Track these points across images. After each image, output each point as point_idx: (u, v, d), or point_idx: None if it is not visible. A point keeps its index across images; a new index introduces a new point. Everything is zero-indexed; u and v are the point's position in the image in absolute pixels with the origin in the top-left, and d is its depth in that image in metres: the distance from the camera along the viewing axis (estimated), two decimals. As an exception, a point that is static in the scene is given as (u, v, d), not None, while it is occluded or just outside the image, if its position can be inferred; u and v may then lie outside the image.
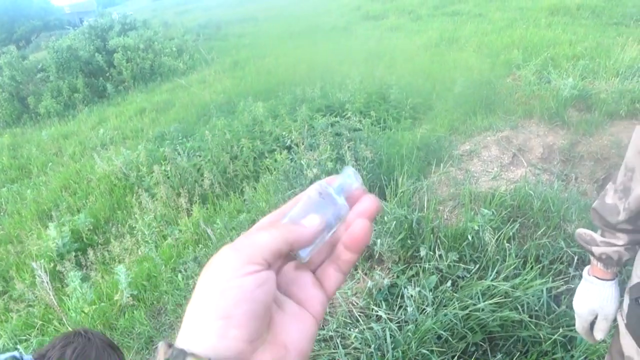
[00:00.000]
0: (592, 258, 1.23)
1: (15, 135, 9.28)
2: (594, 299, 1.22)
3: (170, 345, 0.37)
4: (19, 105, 10.24)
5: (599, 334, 1.24)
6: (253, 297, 0.38)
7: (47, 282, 3.68)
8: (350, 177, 0.48)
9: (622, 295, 1.25)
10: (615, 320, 1.22)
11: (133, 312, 3.12)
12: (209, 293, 0.38)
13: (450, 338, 2.07)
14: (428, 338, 2.08)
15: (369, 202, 0.47)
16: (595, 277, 1.22)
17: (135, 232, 4.36)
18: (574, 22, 8.35)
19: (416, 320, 2.15)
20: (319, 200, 0.46)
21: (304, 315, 0.44)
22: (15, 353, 1.16)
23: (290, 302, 0.45)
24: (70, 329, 3.07)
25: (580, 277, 2.36)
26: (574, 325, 2.10)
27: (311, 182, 3.26)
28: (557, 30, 7.74)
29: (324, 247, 0.47)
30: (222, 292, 0.38)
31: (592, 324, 1.26)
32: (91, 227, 4.76)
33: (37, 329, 3.40)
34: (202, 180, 4.62)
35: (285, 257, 0.45)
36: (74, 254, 4.34)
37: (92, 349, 1.30)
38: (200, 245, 3.52)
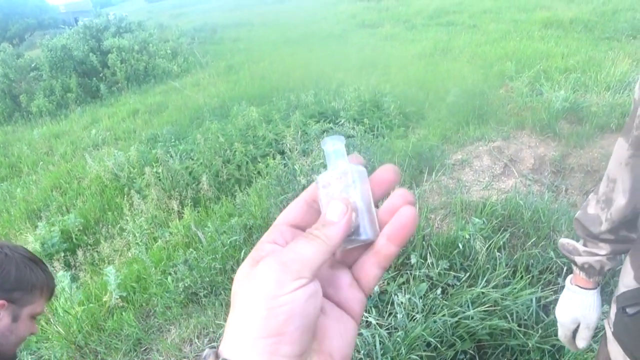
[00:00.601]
0: (574, 267, 1.25)
1: (6, 133, 9.21)
2: (576, 308, 1.24)
3: (218, 356, 0.37)
4: (10, 103, 10.17)
5: (582, 342, 1.26)
6: (303, 311, 0.37)
7: (35, 282, 3.64)
8: (331, 147, 0.45)
9: (606, 304, 1.26)
10: (597, 328, 1.24)
11: (122, 314, 3.10)
12: (256, 309, 0.36)
13: (439, 345, 2.08)
14: (417, 345, 2.08)
15: (400, 193, 0.43)
16: (577, 286, 1.24)
17: (125, 233, 4.33)
18: (566, 35, 8.44)
19: (406, 327, 2.16)
20: (328, 190, 0.43)
21: (345, 318, 0.42)
22: None
23: (331, 304, 0.42)
24: (58, 329, 3.05)
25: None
26: (561, 334, 2.12)
27: (304, 188, 3.27)
28: (550, 43, 7.82)
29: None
30: (272, 309, 0.36)
31: (575, 333, 1.27)
32: (81, 228, 4.73)
33: (24, 329, 3.37)
34: (194, 183, 4.61)
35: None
36: (62, 254, 4.31)
37: (11, 265, 1.21)
38: (191, 249, 3.51)
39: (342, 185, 0.42)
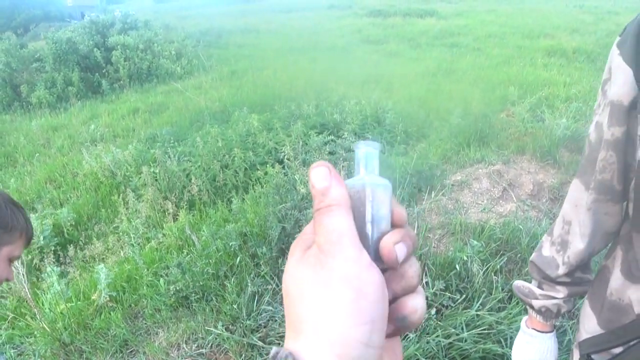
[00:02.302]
0: (530, 310, 1.23)
1: (4, 122, 9.15)
2: (533, 352, 1.22)
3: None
4: (10, 93, 10.12)
5: None
6: (384, 293, 0.33)
7: (23, 275, 3.60)
8: (362, 151, 0.40)
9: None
10: None
11: (110, 313, 3.06)
12: (342, 293, 0.32)
13: (431, 367, 2.07)
14: (410, 365, 2.06)
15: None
16: (534, 329, 1.22)
17: (118, 232, 4.30)
18: (569, 64, 8.52)
19: (399, 346, 2.13)
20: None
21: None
22: None
23: None
24: (43, 324, 3.00)
25: (564, 316, 2.37)
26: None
27: (303, 198, 3.26)
28: (553, 71, 7.89)
29: None
30: (359, 290, 0.32)
31: None
32: (73, 223, 4.68)
33: (8, 322, 3.32)
34: (191, 185, 4.59)
35: None
36: (53, 248, 4.26)
37: None
38: (184, 252, 3.48)
39: (359, 198, 0.37)
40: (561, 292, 1.14)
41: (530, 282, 1.23)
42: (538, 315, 1.20)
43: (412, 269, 0.37)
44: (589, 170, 1.00)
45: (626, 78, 0.88)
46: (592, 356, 1.01)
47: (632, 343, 0.93)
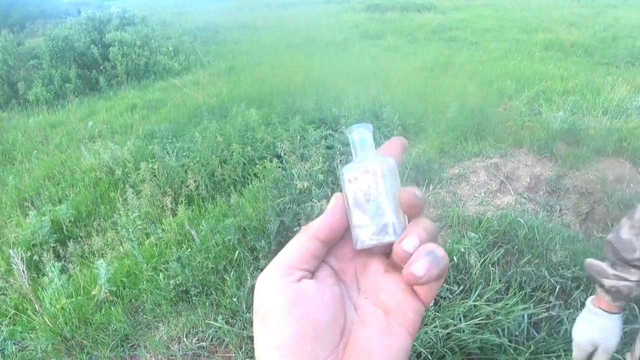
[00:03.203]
0: (599, 289, 1.23)
1: (2, 120, 9.12)
2: (596, 331, 1.22)
3: None
4: (8, 90, 10.08)
5: None
6: (292, 315, 0.36)
7: (23, 271, 3.61)
8: (357, 135, 0.43)
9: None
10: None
11: (110, 308, 3.08)
12: (259, 317, 0.38)
13: (430, 356, 2.08)
14: (408, 355, 2.08)
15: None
16: (600, 308, 1.22)
17: (117, 227, 4.30)
18: (566, 58, 8.53)
19: (397, 337, 2.15)
20: (354, 185, 0.41)
21: (393, 329, 0.39)
22: None
23: (378, 313, 0.40)
24: (45, 319, 3.01)
25: (561, 306, 2.39)
26: (552, 352, 2.13)
27: (300, 193, 3.27)
28: (550, 65, 7.90)
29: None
30: (264, 318, 0.37)
31: (591, 356, 1.26)
32: (72, 219, 4.69)
33: (9, 318, 3.33)
34: (189, 181, 4.60)
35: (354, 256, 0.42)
36: (52, 244, 4.27)
37: None
38: (183, 246, 3.49)
39: (368, 180, 0.39)
40: (635, 275, 1.15)
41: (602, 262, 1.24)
42: (607, 295, 1.20)
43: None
44: None
45: None
46: None
47: None
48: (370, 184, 0.39)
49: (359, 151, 0.42)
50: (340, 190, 0.42)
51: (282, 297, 0.36)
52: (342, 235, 0.41)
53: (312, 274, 0.40)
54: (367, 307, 0.40)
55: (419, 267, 0.36)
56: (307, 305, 0.36)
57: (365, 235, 0.39)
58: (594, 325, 1.23)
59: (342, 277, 0.41)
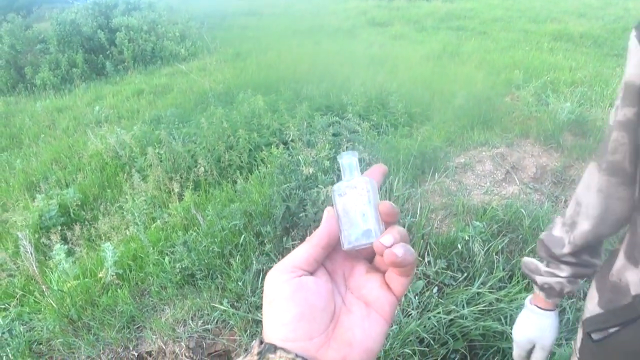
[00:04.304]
0: (535, 287, 1.25)
1: (9, 104, 9.17)
2: (533, 328, 1.24)
3: (262, 342, 0.45)
4: (15, 74, 10.11)
5: None
6: (294, 301, 0.45)
7: (31, 253, 3.65)
8: (346, 160, 0.52)
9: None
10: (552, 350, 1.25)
11: (117, 291, 3.11)
12: (266, 303, 0.47)
13: (432, 342, 2.11)
14: (411, 340, 2.11)
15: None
16: (536, 306, 1.24)
17: (124, 211, 4.34)
18: (575, 49, 8.46)
19: (400, 322, 2.18)
20: (343, 199, 0.50)
21: (372, 316, 0.49)
22: None
23: (360, 304, 0.49)
24: (51, 301, 3.06)
25: (567, 296, 2.41)
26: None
27: (306, 179, 3.29)
28: (559, 55, 7.84)
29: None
30: (271, 303, 0.46)
31: (530, 353, 1.27)
32: (79, 203, 4.73)
33: (17, 299, 3.38)
34: (196, 166, 4.62)
35: (351, 258, 0.52)
36: (59, 227, 4.31)
37: None
38: (190, 231, 3.52)
39: (355, 194, 0.49)
40: (565, 271, 1.15)
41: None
42: (541, 292, 1.22)
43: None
44: (604, 153, 1.00)
45: (639, 59, 0.89)
46: (592, 335, 1.03)
47: (625, 323, 0.95)
48: (356, 197, 0.49)
49: (347, 173, 0.51)
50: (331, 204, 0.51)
51: (287, 287, 0.46)
52: (337, 242, 0.50)
53: (312, 273, 0.49)
54: (352, 299, 0.50)
55: (398, 249, 0.45)
56: (306, 294, 0.46)
57: (351, 237, 0.48)
58: (531, 323, 1.24)
59: (333, 277, 0.51)
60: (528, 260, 1.27)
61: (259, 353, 0.44)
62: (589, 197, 1.05)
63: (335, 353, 0.45)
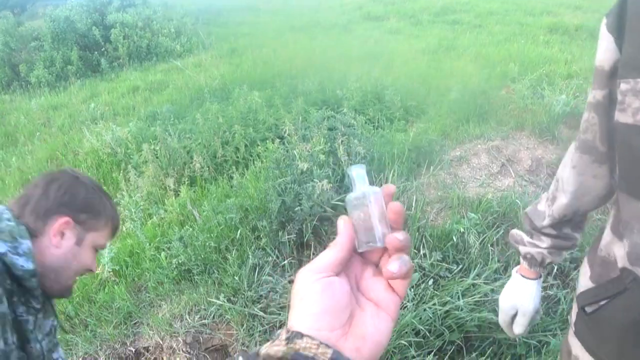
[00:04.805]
0: (520, 257, 1.33)
1: (4, 102, 9.12)
2: (516, 296, 1.32)
3: (288, 330, 0.50)
4: (9, 72, 10.05)
5: (517, 328, 1.35)
6: (323, 297, 0.51)
7: (27, 250, 3.64)
8: (355, 172, 0.58)
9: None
10: (536, 318, 1.34)
11: (113, 287, 3.12)
12: (297, 298, 0.53)
13: (428, 334, 2.12)
14: (406, 332, 2.12)
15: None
16: (520, 275, 1.32)
17: (120, 208, 4.33)
18: (571, 42, 8.46)
19: (396, 315, 2.18)
20: (354, 208, 0.56)
21: (381, 315, 0.55)
22: None
23: (370, 304, 0.56)
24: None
25: (558, 286, 2.42)
26: (549, 331, 2.16)
27: (302, 173, 3.29)
28: (554, 48, 7.84)
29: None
30: (302, 299, 0.52)
31: (513, 319, 1.35)
32: (75, 200, 4.71)
33: (14, 296, 3.37)
34: (192, 162, 4.61)
35: (363, 262, 0.59)
36: (56, 224, 4.30)
37: (80, 186, 1.20)
38: (186, 226, 3.52)
39: (365, 203, 0.55)
40: (545, 242, 1.24)
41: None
42: (524, 261, 1.31)
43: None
44: (578, 132, 1.08)
45: (608, 44, 0.96)
46: (585, 308, 1.07)
47: (614, 296, 0.99)
48: (366, 206, 0.55)
49: (357, 184, 0.57)
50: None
51: (317, 285, 0.52)
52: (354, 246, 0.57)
53: (337, 275, 0.55)
54: (363, 300, 0.57)
55: (393, 266, 0.53)
56: (333, 292, 0.52)
57: (365, 241, 0.55)
58: (515, 290, 1.33)
59: (349, 280, 0.57)
60: (514, 231, 1.37)
61: (287, 338, 0.49)
62: (565, 173, 1.14)
63: (350, 344, 0.51)
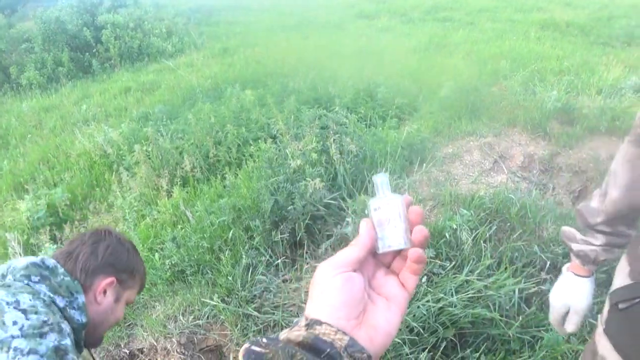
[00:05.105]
0: (571, 254, 1.30)
1: (-6, 104, 9.08)
2: (568, 293, 1.29)
3: (307, 317, 0.55)
4: (0, 75, 10.00)
5: (570, 326, 1.31)
6: (342, 290, 0.56)
7: (20, 254, 3.63)
8: (379, 180, 0.63)
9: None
10: (588, 316, 1.32)
11: (106, 288, 3.10)
12: (317, 290, 0.57)
13: (422, 331, 2.12)
14: (400, 329, 2.11)
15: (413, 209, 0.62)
16: (572, 272, 1.29)
17: (113, 209, 4.32)
18: (562, 38, 8.49)
19: (390, 312, 2.18)
20: (378, 212, 0.61)
21: (391, 308, 0.60)
22: (36, 259, 1.12)
23: (382, 299, 0.61)
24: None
25: (551, 281, 2.43)
26: (542, 326, 2.17)
27: (295, 172, 3.29)
28: (546, 44, 7.87)
29: (400, 257, 0.64)
30: (322, 291, 0.57)
31: (565, 317, 1.32)
32: (68, 203, 4.69)
33: (6, 299, 3.35)
34: (184, 162, 4.60)
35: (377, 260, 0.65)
36: (49, 227, 4.28)
37: (124, 250, 1.31)
38: (179, 227, 3.51)
39: (388, 208, 0.60)
40: (599, 240, 1.22)
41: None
42: (577, 259, 1.28)
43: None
44: (634, 126, 1.07)
45: None
46: (619, 305, 1.06)
47: None
48: (389, 211, 0.60)
49: (380, 190, 0.62)
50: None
51: (338, 279, 0.57)
52: (374, 247, 0.62)
53: (354, 271, 0.59)
54: (375, 295, 0.61)
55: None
56: (352, 286, 0.57)
57: (385, 243, 0.60)
58: (566, 288, 1.30)
59: (364, 277, 0.62)
60: (566, 228, 1.34)
61: (307, 325, 0.54)
62: (618, 167, 1.12)
63: (364, 334, 0.56)
